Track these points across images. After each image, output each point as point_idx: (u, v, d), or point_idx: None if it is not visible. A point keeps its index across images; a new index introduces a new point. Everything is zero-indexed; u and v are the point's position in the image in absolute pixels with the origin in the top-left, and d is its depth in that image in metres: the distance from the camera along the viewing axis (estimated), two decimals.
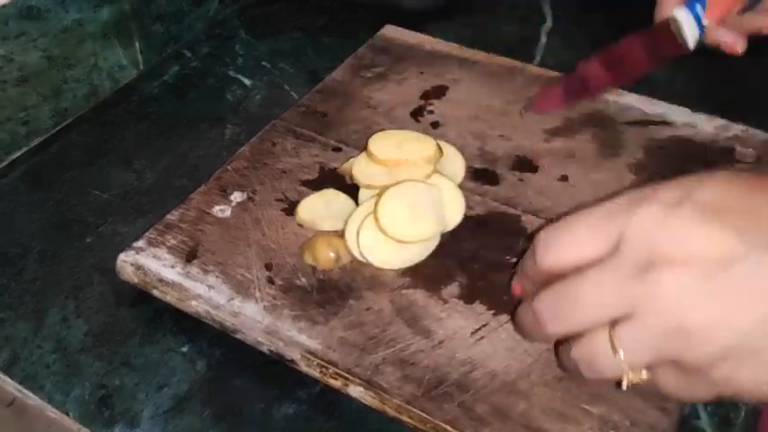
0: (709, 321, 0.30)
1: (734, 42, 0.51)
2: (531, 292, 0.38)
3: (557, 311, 0.35)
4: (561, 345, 0.37)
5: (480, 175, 0.55)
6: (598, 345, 0.33)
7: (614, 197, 0.35)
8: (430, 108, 0.61)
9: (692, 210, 0.32)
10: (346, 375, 0.43)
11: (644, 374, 0.33)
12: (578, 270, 0.34)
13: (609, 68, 0.54)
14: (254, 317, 0.46)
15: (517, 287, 0.40)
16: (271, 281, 0.48)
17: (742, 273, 0.30)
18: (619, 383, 0.34)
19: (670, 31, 0.50)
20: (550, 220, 0.48)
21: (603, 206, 0.35)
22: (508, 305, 0.46)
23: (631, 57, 0.53)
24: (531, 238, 0.50)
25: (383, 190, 0.49)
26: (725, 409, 0.43)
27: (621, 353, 0.32)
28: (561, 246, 0.35)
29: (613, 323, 0.33)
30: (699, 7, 0.49)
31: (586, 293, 0.33)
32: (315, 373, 0.44)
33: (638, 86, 0.60)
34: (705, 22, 0.50)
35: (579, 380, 0.38)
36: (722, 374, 0.31)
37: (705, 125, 0.59)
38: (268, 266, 0.49)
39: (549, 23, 0.76)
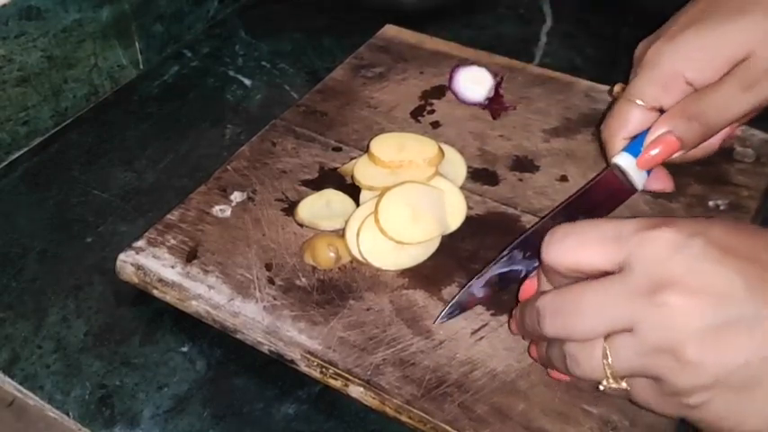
0: (702, 354, 0.32)
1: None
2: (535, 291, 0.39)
3: (556, 313, 0.36)
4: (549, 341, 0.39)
5: (480, 175, 0.55)
6: (591, 348, 0.35)
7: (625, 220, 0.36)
8: (430, 108, 0.61)
9: (706, 245, 0.33)
10: (346, 375, 0.43)
11: (623, 384, 0.35)
12: (578, 279, 0.36)
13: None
14: (254, 317, 0.46)
15: (527, 288, 0.42)
16: (271, 281, 0.48)
17: (740, 316, 0.32)
18: (597, 384, 0.36)
19: (616, 177, 0.47)
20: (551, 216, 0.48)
21: (616, 222, 0.36)
22: (508, 305, 0.46)
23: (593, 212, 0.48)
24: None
25: (384, 191, 0.49)
26: None
27: (610, 359, 0.34)
28: (565, 246, 0.37)
29: (609, 333, 0.34)
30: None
31: (591, 302, 0.35)
32: (315, 373, 0.44)
33: None
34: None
35: (553, 371, 0.40)
36: (695, 402, 0.33)
37: None
38: (268, 266, 0.49)
39: (549, 23, 0.76)
